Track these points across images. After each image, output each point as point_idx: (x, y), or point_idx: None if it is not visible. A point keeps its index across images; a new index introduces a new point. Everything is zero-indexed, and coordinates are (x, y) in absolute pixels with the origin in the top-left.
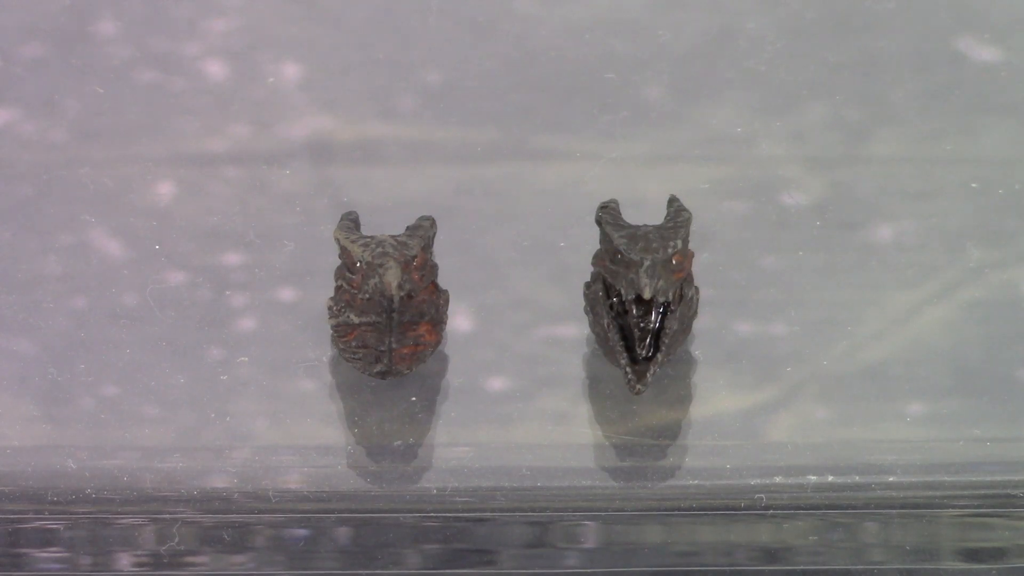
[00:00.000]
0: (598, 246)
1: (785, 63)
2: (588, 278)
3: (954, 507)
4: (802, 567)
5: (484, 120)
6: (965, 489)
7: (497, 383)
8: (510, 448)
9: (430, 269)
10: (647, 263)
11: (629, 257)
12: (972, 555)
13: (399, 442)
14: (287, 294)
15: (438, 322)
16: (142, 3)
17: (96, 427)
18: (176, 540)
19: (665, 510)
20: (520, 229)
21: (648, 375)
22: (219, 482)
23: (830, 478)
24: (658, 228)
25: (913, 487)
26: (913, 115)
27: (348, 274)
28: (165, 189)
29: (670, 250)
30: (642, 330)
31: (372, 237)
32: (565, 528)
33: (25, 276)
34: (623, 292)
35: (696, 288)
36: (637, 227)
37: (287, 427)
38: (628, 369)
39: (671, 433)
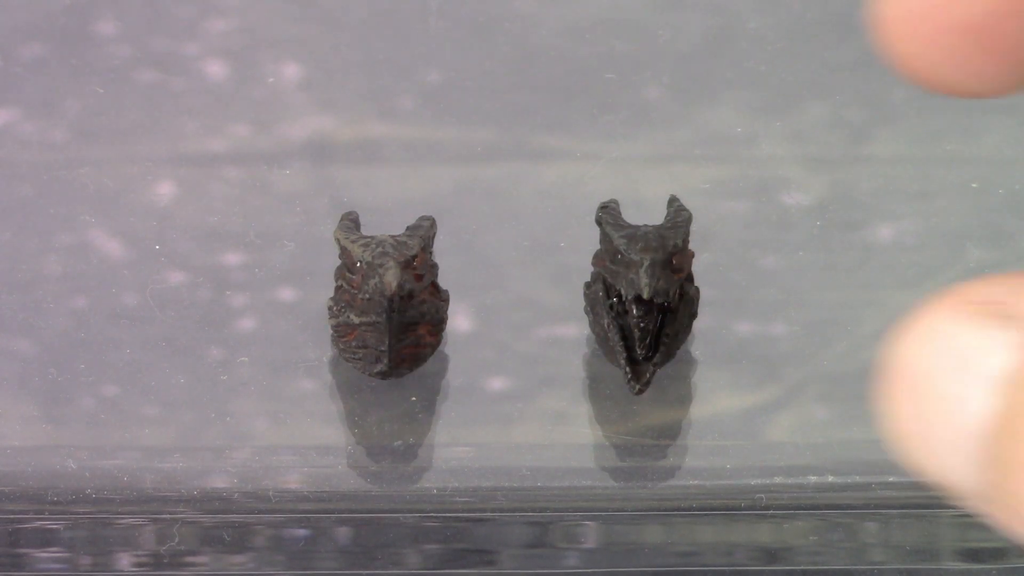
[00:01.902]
0: (598, 246)
1: (785, 63)
2: (588, 278)
3: (954, 507)
4: (802, 567)
5: (484, 120)
6: None
7: (497, 383)
8: (510, 448)
9: (430, 269)
10: (647, 263)
11: (629, 257)
12: (972, 555)
13: (399, 442)
14: (287, 294)
15: (438, 322)
16: (142, 3)
17: (96, 427)
18: (176, 540)
19: (665, 510)
20: (520, 229)
21: (648, 375)
22: (219, 482)
23: (830, 478)
24: (658, 228)
25: (913, 487)
26: (913, 115)
27: (348, 274)
28: (165, 189)
29: (670, 250)
30: (642, 330)
31: (372, 237)
32: (565, 528)
33: (25, 276)
34: (623, 292)
35: (696, 288)
36: (637, 227)
37: (287, 427)
38: (628, 369)
39: (671, 433)
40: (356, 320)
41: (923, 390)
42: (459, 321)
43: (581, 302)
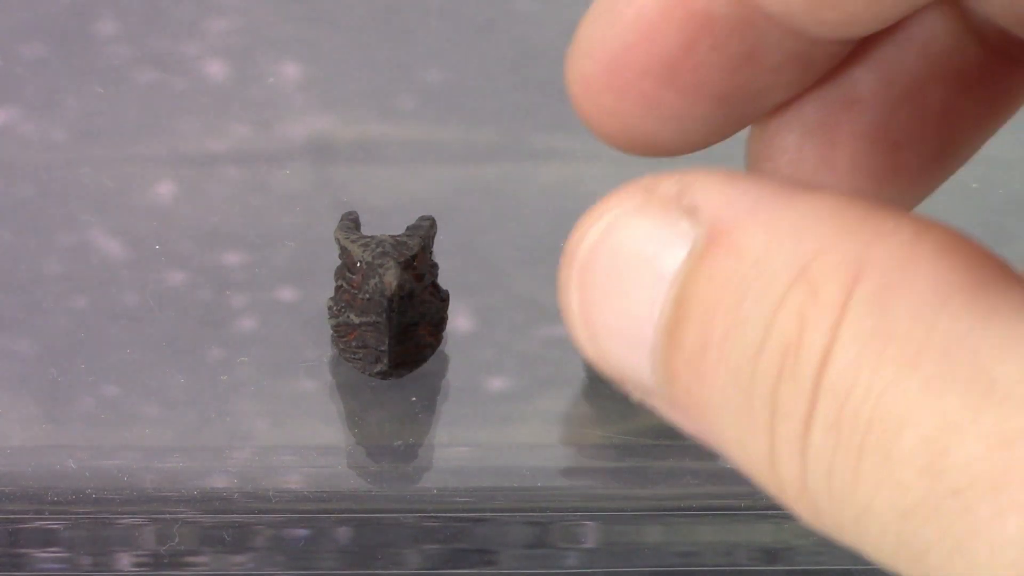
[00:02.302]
0: None
1: None
2: None
3: None
4: (802, 567)
5: (484, 120)
6: None
7: (497, 383)
8: (510, 448)
9: (430, 269)
10: None
11: None
12: None
13: (399, 442)
14: (287, 294)
15: (438, 322)
16: (142, 3)
17: (96, 427)
18: (176, 540)
19: (665, 510)
20: (520, 229)
21: None
22: (219, 482)
23: None
24: None
25: None
26: None
27: (348, 274)
28: (165, 189)
29: None
30: None
31: (372, 237)
32: (565, 528)
33: (25, 276)
34: None
35: None
36: None
37: (287, 427)
38: None
39: (671, 433)
40: (356, 320)
41: (599, 286)
42: (459, 321)
43: None
